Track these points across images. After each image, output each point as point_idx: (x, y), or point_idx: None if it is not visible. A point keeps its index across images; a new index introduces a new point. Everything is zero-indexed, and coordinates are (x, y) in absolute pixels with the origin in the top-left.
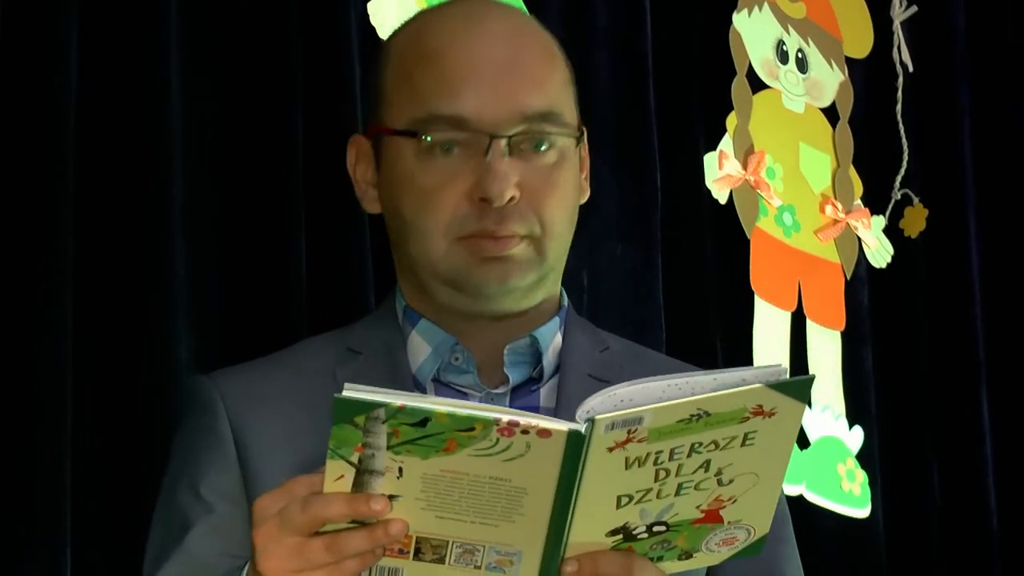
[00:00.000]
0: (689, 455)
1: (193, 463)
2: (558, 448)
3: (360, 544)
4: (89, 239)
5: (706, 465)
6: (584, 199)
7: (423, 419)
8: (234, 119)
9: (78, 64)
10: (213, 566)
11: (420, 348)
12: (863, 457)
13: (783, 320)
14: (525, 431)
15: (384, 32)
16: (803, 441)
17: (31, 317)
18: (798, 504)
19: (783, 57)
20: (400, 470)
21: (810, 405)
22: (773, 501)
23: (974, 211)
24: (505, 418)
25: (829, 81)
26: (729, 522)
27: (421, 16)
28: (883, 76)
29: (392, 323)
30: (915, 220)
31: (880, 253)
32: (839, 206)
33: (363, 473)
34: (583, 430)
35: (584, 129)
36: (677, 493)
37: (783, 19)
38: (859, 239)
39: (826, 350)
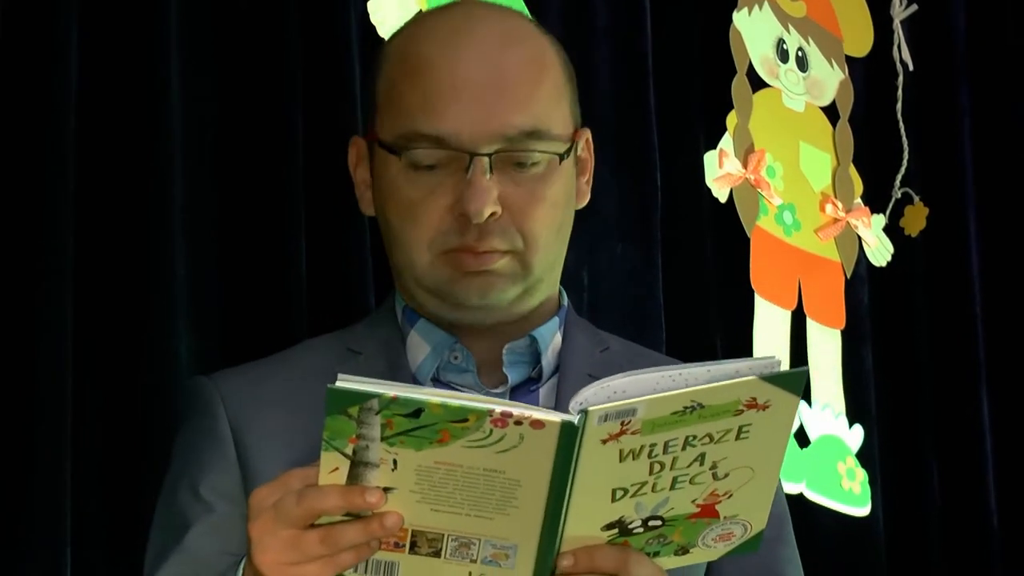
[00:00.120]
0: (683, 448)
1: (194, 464)
2: (551, 439)
3: (355, 536)
4: (89, 239)
5: (701, 459)
6: (583, 203)
7: (416, 410)
8: (234, 119)
9: (78, 64)
10: (212, 564)
11: (419, 347)
12: (863, 456)
13: (783, 319)
14: (518, 422)
15: (384, 30)
16: (803, 439)
17: (31, 317)
18: (798, 503)
19: (783, 56)
20: (395, 462)
21: (810, 403)
22: (769, 496)
23: (974, 210)
24: (498, 409)
25: (829, 80)
26: (725, 517)
27: (414, 23)
28: (883, 75)
29: (392, 323)
30: (915, 219)
31: (880, 252)
32: (839, 205)
33: (357, 465)
34: (576, 421)
35: (587, 132)
36: (672, 487)
37: (783, 18)
38: (859, 238)
39: (826, 349)
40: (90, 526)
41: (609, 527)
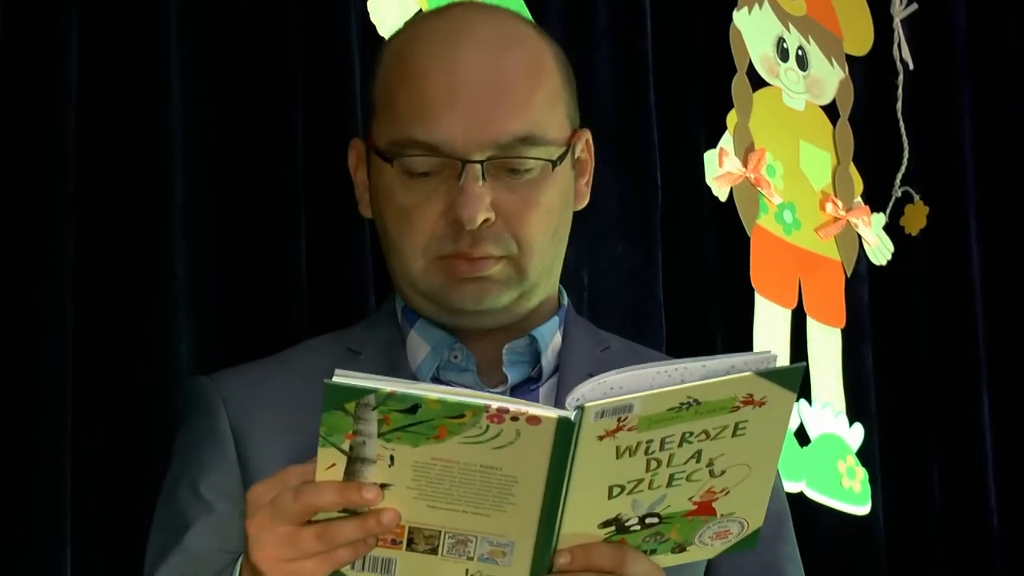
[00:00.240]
0: (680, 445)
1: (194, 464)
2: (548, 436)
3: (352, 533)
4: (89, 239)
5: (697, 455)
6: (582, 205)
7: (413, 405)
8: (234, 119)
9: (78, 64)
10: (211, 562)
11: (419, 347)
12: (863, 454)
13: (783, 318)
14: (515, 418)
15: (384, 29)
16: (803, 438)
17: (31, 317)
18: (798, 501)
19: (783, 55)
20: (391, 458)
21: (810, 402)
22: (766, 494)
23: (974, 209)
24: (495, 405)
25: (829, 79)
26: (722, 515)
27: (411, 26)
28: (883, 74)
29: (392, 323)
30: (915, 217)
31: (880, 251)
32: (839, 204)
33: (354, 461)
34: (573, 417)
35: (587, 133)
36: (669, 484)
37: (783, 16)
38: (859, 236)
39: (826, 347)
40: (90, 526)
41: (606, 524)
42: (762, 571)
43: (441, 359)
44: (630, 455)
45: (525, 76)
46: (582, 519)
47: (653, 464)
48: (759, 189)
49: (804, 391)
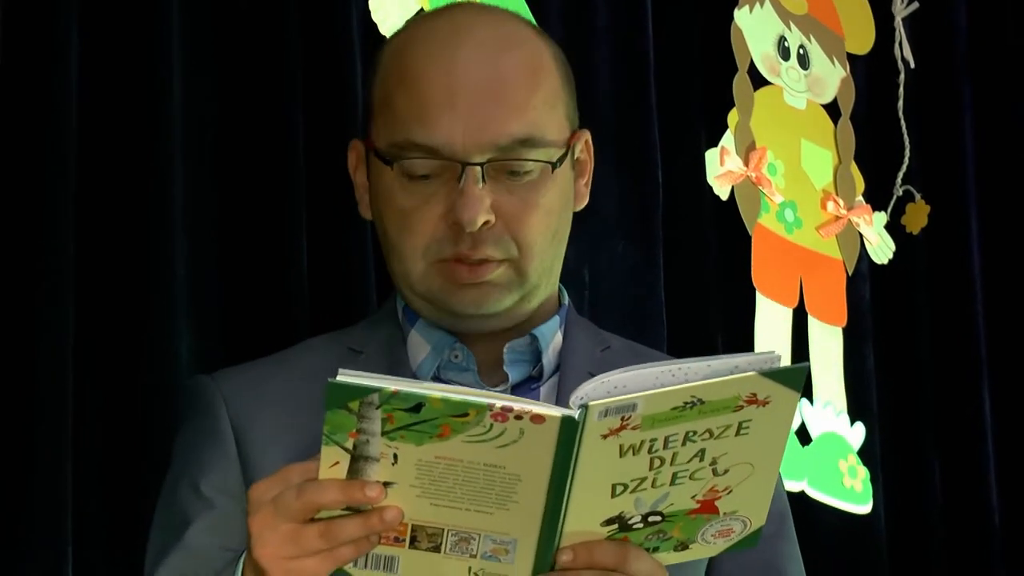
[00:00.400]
0: (683, 444)
1: (194, 462)
2: (552, 434)
3: (354, 531)
4: (89, 239)
5: (701, 454)
6: (581, 206)
7: (417, 404)
8: (234, 119)
9: (78, 64)
10: (212, 559)
11: (420, 347)
12: (864, 453)
13: (785, 317)
14: (519, 417)
15: (385, 28)
16: (805, 437)
17: (31, 317)
18: (799, 500)
19: (785, 53)
20: (395, 456)
21: (811, 401)
22: (769, 492)
23: (975, 208)
24: (499, 403)
25: (831, 77)
26: (725, 513)
27: (410, 27)
28: (885, 72)
29: (392, 323)
30: (917, 216)
31: (882, 249)
32: (841, 202)
33: (358, 459)
34: (576, 416)
35: (586, 134)
36: (672, 482)
37: (784, 15)
38: (861, 235)
39: (828, 346)
40: (90, 526)
41: (609, 522)
42: (763, 569)
43: (442, 359)
44: (633, 454)
45: (524, 77)
46: (585, 517)
47: (656, 463)
48: (760, 188)
49: (805, 390)
